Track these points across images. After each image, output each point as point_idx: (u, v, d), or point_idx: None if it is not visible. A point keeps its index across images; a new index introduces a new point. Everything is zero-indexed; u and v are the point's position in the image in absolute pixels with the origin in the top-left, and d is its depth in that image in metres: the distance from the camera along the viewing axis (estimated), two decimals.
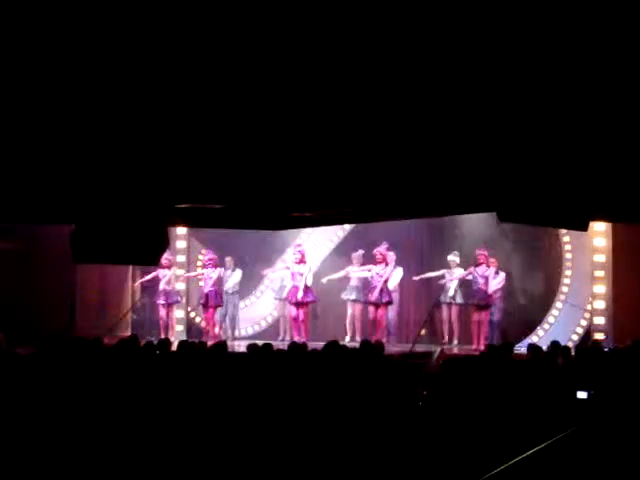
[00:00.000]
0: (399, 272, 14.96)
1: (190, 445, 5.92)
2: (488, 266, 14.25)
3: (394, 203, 9.21)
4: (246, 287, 16.35)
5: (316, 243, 16.00)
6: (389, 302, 14.54)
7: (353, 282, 15.12)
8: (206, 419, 6.29)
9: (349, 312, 15.18)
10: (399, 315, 15.44)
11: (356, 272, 15.03)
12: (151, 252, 7.49)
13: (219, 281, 15.46)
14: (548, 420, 5.98)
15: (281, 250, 16.11)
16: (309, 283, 14.84)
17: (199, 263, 16.35)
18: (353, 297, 15.07)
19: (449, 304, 14.82)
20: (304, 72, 5.13)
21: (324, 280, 15.22)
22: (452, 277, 14.67)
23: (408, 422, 5.94)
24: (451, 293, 14.73)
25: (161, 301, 15.51)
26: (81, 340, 9.17)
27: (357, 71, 5.14)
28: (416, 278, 15.01)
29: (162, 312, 15.56)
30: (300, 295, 14.71)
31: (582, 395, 6.98)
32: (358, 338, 14.29)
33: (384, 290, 14.42)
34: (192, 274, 16.33)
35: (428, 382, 7.15)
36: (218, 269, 15.34)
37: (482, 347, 13.06)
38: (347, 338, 14.67)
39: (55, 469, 5.64)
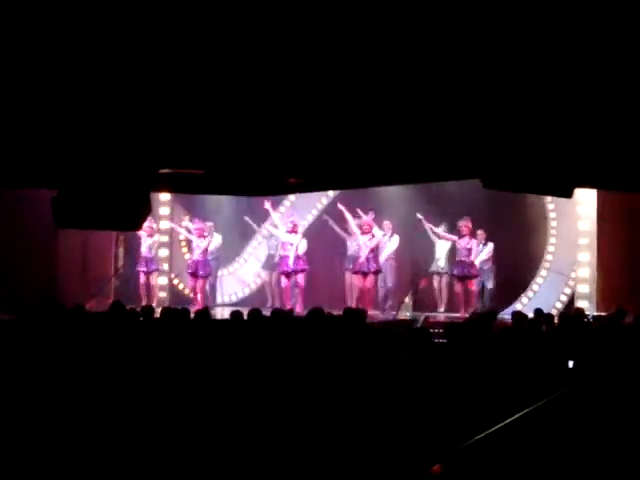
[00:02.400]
0: (395, 240, 14.92)
1: (174, 413, 5.91)
2: (471, 238, 14.24)
3: (378, 169, 9.18)
4: (229, 254, 16.29)
5: (299, 210, 15.94)
6: (377, 271, 14.49)
7: (350, 252, 15.07)
8: (190, 385, 6.28)
9: (347, 282, 15.17)
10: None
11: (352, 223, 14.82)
12: (134, 217, 7.44)
13: (206, 250, 15.31)
14: (531, 386, 6.00)
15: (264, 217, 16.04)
16: (300, 252, 14.79)
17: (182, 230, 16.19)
18: (351, 267, 15.00)
19: (438, 273, 14.82)
20: (286, 39, 5.08)
21: (325, 217, 15.22)
22: (437, 234, 14.64)
23: (390, 389, 5.94)
24: (442, 264, 14.73)
25: (142, 268, 15.45)
26: (63, 307, 9.13)
27: (341, 38, 5.09)
28: (420, 216, 14.70)
29: (142, 279, 15.52)
30: (291, 263, 14.66)
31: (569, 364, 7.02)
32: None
33: (370, 259, 14.37)
34: (180, 230, 16.04)
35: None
36: (208, 238, 15.22)
37: (467, 315, 13.10)
38: None
39: (37, 439, 5.62)
